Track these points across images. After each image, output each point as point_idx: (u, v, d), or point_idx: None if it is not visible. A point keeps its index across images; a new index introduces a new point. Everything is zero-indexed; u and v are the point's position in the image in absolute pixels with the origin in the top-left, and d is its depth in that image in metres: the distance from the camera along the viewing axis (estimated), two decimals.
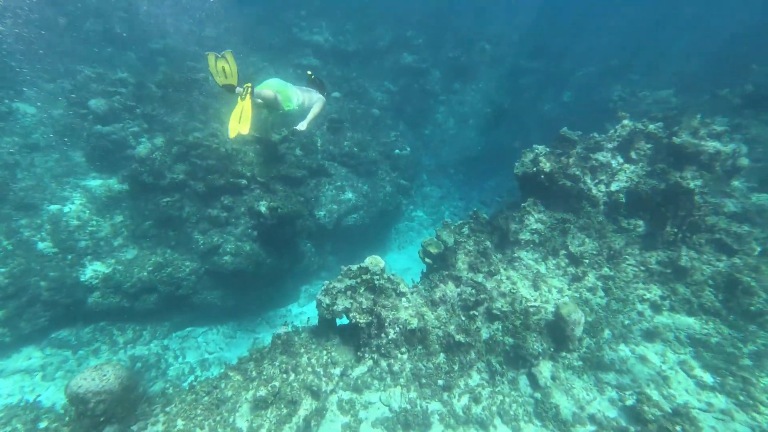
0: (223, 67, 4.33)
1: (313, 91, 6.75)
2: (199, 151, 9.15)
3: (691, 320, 5.70)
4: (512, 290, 6.41)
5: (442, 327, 5.73)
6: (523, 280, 6.68)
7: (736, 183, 7.12)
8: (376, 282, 6.02)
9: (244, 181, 9.28)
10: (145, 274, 8.37)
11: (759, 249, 6.01)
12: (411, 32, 18.93)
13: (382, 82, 17.22)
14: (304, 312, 11.57)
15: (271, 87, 5.43)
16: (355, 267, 6.48)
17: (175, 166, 9.16)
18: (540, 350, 5.53)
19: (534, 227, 7.27)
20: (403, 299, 6.18)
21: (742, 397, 4.67)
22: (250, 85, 4.63)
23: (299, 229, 10.25)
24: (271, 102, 5.36)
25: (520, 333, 5.68)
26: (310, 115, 6.19)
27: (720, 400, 4.75)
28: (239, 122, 4.47)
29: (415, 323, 5.66)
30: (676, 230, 6.18)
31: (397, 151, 13.74)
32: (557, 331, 5.55)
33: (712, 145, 6.78)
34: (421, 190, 20.03)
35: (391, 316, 5.77)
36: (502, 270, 6.86)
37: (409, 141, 18.14)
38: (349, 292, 5.99)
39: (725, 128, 7.12)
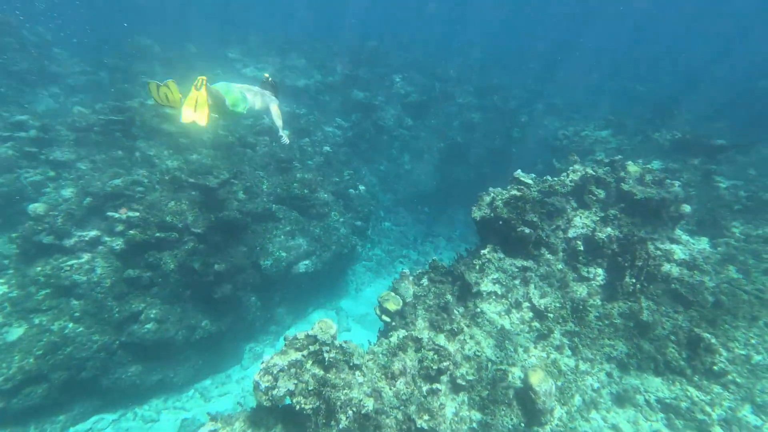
0: (165, 94, 4.36)
1: (267, 93, 6.58)
2: (119, 203, 8.04)
3: (658, 381, 5.55)
4: (477, 352, 5.97)
5: (401, 407, 5.08)
6: (487, 339, 6.28)
7: (679, 231, 7.41)
8: (326, 355, 5.30)
9: (174, 234, 8.24)
10: (32, 360, 6.81)
11: (711, 300, 6.12)
12: (362, 69, 19.21)
13: (334, 118, 17.04)
14: (247, 376, 10.31)
15: (219, 88, 5.31)
16: (302, 335, 5.72)
17: (87, 221, 7.93)
18: (510, 426, 5.05)
19: (495, 276, 7.01)
20: (357, 373, 5.47)
21: None
22: (204, 77, 4.53)
23: (241, 284, 9.24)
24: (220, 103, 5.19)
25: (488, 407, 5.19)
26: (279, 122, 6.59)
27: None
28: (194, 110, 4.42)
29: (370, 405, 4.97)
30: (634, 281, 6.15)
31: (351, 190, 13.32)
32: (527, 403, 5.13)
33: (656, 192, 7.04)
34: (378, 227, 19.68)
35: (342, 397, 5.02)
36: (465, 327, 6.43)
37: (365, 178, 17.90)
38: (293, 370, 5.19)
39: (666, 175, 7.48)
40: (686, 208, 7.17)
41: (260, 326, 11.01)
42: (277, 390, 4.92)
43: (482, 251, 7.48)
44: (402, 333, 6.59)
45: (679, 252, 6.92)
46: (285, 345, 5.62)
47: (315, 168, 13.57)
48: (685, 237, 7.49)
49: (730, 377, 5.36)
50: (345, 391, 5.08)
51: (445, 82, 22.68)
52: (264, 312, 10.93)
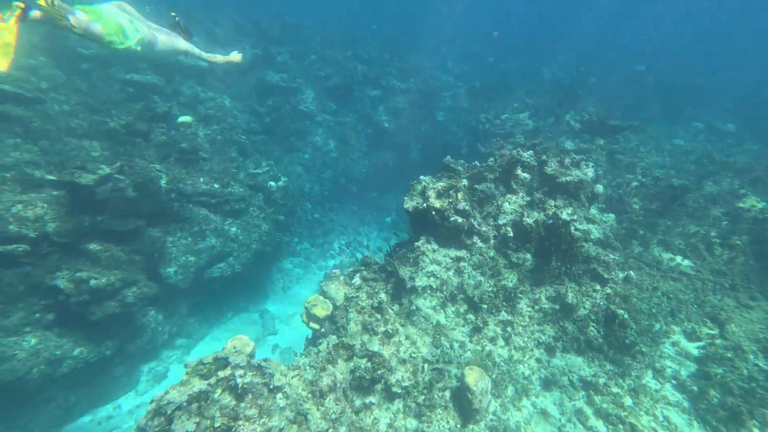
0: None
1: (178, 37, 5.79)
2: None
3: (580, 360, 5.79)
4: (413, 354, 5.68)
5: (329, 431, 4.56)
6: (423, 337, 6.03)
7: (593, 210, 7.87)
8: (240, 380, 4.55)
9: (23, 247, 6.54)
10: None
11: (622, 276, 6.55)
12: (275, 48, 17.69)
13: (247, 103, 15.44)
14: (144, 403, 8.95)
15: (100, 15, 4.49)
16: (209, 359, 4.89)
17: None
18: (447, 430, 4.85)
19: (430, 269, 6.78)
20: (279, 396, 4.81)
21: None
22: (22, 4, 3.68)
23: (132, 299, 7.84)
24: (93, 36, 4.43)
25: (425, 413, 4.93)
26: (200, 52, 5.95)
27: None
28: None
29: None
30: (560, 264, 6.33)
31: (271, 183, 12.17)
32: (464, 404, 4.96)
33: (575, 174, 7.34)
34: (305, 220, 18.69)
35: (259, 431, 4.34)
36: (400, 328, 6.10)
37: (287, 168, 16.70)
38: (195, 405, 4.38)
39: (582, 157, 7.85)
40: (599, 189, 7.60)
41: (163, 342, 9.64)
42: None
43: (416, 243, 7.22)
44: (333, 340, 6.04)
45: (595, 231, 7.32)
46: (186, 372, 4.73)
47: (227, 159, 12.14)
48: (598, 216, 7.99)
49: (637, 348, 5.76)
50: (263, 420, 4.40)
51: (367, 65, 22.03)
52: (168, 325, 9.56)
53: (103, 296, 7.33)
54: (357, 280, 7.02)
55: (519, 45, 33.69)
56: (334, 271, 7.12)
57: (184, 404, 4.34)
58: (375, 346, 5.56)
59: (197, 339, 11.14)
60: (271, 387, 4.74)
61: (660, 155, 13.55)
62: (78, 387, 7.72)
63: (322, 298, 6.59)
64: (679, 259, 7.27)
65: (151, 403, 4.36)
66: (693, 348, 5.91)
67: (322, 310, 6.37)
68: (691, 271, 6.89)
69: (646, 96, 23.37)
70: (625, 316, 5.73)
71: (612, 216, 9.07)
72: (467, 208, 6.87)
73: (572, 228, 6.52)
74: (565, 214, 7.40)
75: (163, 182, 9.75)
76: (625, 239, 8.22)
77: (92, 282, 6.94)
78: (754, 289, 6.45)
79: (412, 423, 4.95)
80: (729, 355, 5.48)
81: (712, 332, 5.97)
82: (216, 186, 10.39)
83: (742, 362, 5.41)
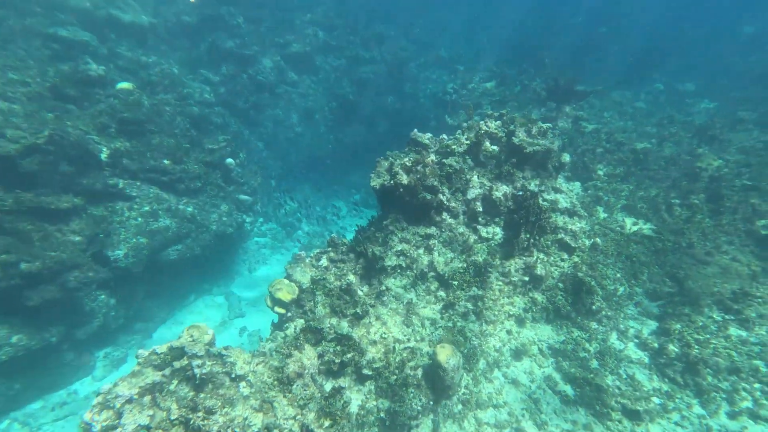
0: None
1: None
2: None
3: (548, 328, 5.89)
4: (384, 335, 5.54)
5: (297, 417, 4.38)
6: (393, 317, 5.90)
7: (560, 179, 7.89)
8: (198, 371, 4.26)
9: None
10: None
11: (588, 244, 6.65)
12: (227, 8, 16.17)
13: (199, 71, 14.16)
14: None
15: None
16: (163, 349, 4.54)
17: None
18: (420, 408, 4.80)
19: (399, 248, 6.59)
20: (243, 384, 4.56)
21: (597, 407, 4.90)
22: None
23: (73, 285, 7.17)
24: None
25: (397, 393, 4.85)
26: None
27: (581, 415, 4.93)
28: None
29: (258, 422, 4.18)
30: (528, 236, 6.31)
31: (229, 160, 11.36)
32: (437, 381, 4.91)
33: (543, 143, 7.26)
34: (270, 198, 17.94)
35: (221, 420, 4.10)
36: (370, 309, 5.93)
37: (249, 143, 15.75)
38: (148, 397, 4.10)
39: (549, 125, 7.76)
40: (566, 158, 7.59)
41: (119, 327, 9.09)
42: (120, 430, 3.80)
43: (384, 222, 6.96)
44: (300, 324, 5.79)
45: (562, 201, 7.36)
46: (138, 363, 4.38)
47: (179, 133, 11.17)
48: (565, 185, 8.03)
49: (603, 313, 5.93)
50: (225, 410, 4.16)
51: (329, 31, 20.82)
52: (123, 310, 8.98)
53: (39, 280, 6.64)
54: (324, 261, 6.73)
55: (485, 10, 33.00)
56: (299, 253, 6.77)
57: (135, 397, 4.03)
58: (344, 328, 5.36)
59: (158, 323, 10.58)
60: (233, 376, 4.47)
61: (623, 119, 13.85)
62: (21, 374, 7.16)
63: (287, 281, 6.26)
64: (641, 223, 7.49)
65: (96, 396, 4.03)
66: (654, 307, 6.16)
67: (287, 294, 6.06)
68: (653, 233, 7.12)
69: (608, 59, 23.70)
70: (592, 283, 5.83)
71: (578, 184, 9.20)
72: (436, 183, 6.65)
73: (540, 199, 6.48)
74: (533, 185, 7.37)
75: (103, 156, 8.82)
76: (590, 206, 8.37)
77: (23, 265, 6.22)
78: (710, 246, 6.76)
79: (384, 403, 4.86)
80: (686, 310, 5.74)
81: (671, 290, 6.22)
82: (166, 162, 9.56)
83: (698, 316, 5.68)
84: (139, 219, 9.07)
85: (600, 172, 9.04)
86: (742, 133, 9.41)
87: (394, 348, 5.32)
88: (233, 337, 10.94)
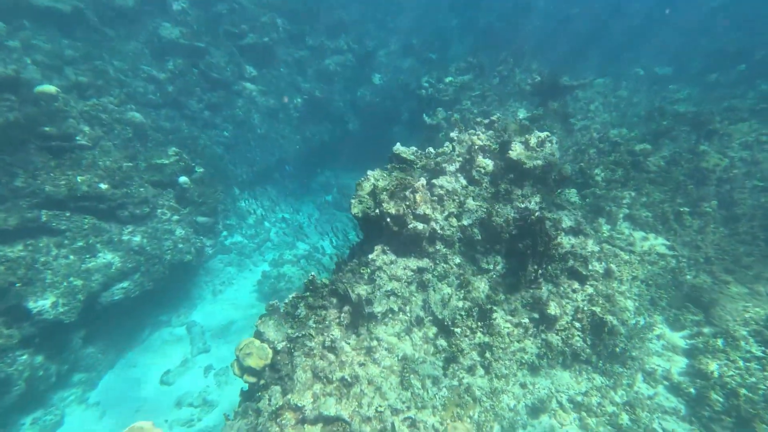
0: None
1: None
2: None
3: (566, 375, 5.26)
4: (378, 407, 4.68)
5: None
6: (389, 378, 5.05)
7: (559, 192, 7.23)
8: None
9: None
10: None
11: (602, 270, 6.05)
12: None
13: (140, 66, 12.41)
14: None
15: None
16: None
17: None
18: None
19: (389, 288, 5.71)
20: None
21: None
22: None
23: None
24: None
25: None
26: None
27: None
28: None
29: None
30: (536, 267, 5.60)
31: (182, 179, 9.90)
32: None
33: (544, 157, 6.54)
34: (234, 208, 16.50)
35: None
36: (359, 370, 5.05)
37: (205, 150, 14.19)
38: None
39: (547, 134, 7.05)
40: (567, 170, 6.94)
41: (50, 386, 7.79)
42: None
43: (370, 256, 6.06)
44: (276, 397, 4.87)
45: (566, 219, 6.70)
46: None
47: (120, 146, 9.63)
48: (564, 197, 7.40)
49: (628, 354, 5.36)
50: None
51: (289, 18, 19.22)
52: (56, 365, 7.68)
53: None
54: (302, 310, 5.75)
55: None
56: (272, 302, 5.76)
57: None
58: (331, 407, 4.46)
59: (105, 368, 9.23)
60: None
61: (608, 111, 13.50)
62: None
63: (257, 342, 5.26)
64: (652, 238, 6.98)
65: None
66: (679, 339, 5.66)
67: (258, 360, 5.07)
68: (666, 250, 6.62)
69: (581, 43, 23.48)
70: (614, 322, 5.22)
71: (574, 191, 8.63)
72: (428, 211, 5.79)
73: (548, 224, 5.77)
74: (533, 203, 6.65)
75: (18, 182, 7.32)
76: (591, 217, 7.81)
77: None
78: (728, 260, 6.34)
79: None
80: (719, 343, 5.25)
81: (697, 318, 5.74)
82: (103, 186, 8.11)
83: (735, 352, 5.20)
84: (71, 257, 7.69)
85: (598, 178, 8.49)
86: (740, 124, 9.11)
87: (393, 426, 4.47)
88: (197, 379, 9.76)
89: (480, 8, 28.06)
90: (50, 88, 8.86)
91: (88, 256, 7.99)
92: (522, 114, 11.16)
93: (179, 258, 9.48)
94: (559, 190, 7.17)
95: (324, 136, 18.57)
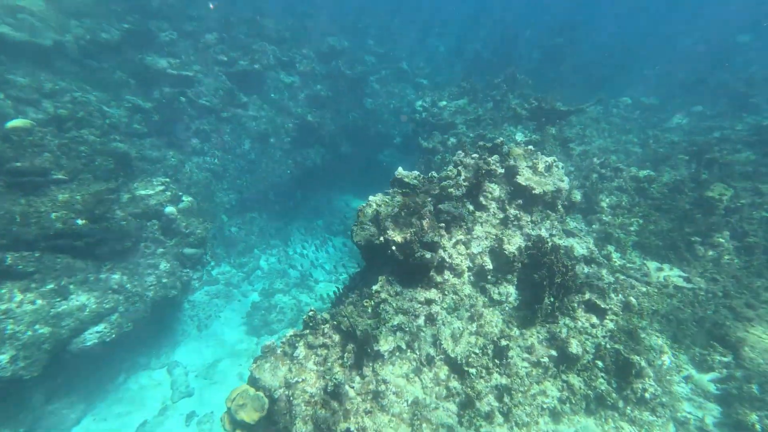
0: None
1: None
2: None
3: (591, 422, 4.87)
4: None
5: None
6: (399, 428, 4.61)
7: (570, 220, 7.06)
8: None
9: None
10: None
11: (620, 303, 5.79)
12: (156, 23, 14.36)
13: (124, 97, 12.19)
14: None
15: None
16: None
17: None
18: None
19: (395, 322, 5.35)
20: None
21: None
22: None
23: None
24: None
25: None
26: None
27: None
28: None
29: None
30: (553, 300, 5.31)
31: (169, 209, 9.47)
32: None
33: (552, 182, 6.39)
34: (222, 236, 16.00)
35: None
36: (366, 420, 4.60)
37: (192, 176, 13.85)
38: None
39: (554, 158, 6.94)
40: (577, 196, 6.79)
41: None
42: None
43: (374, 287, 5.72)
44: None
45: (577, 247, 6.49)
46: None
47: (101, 177, 9.22)
48: (573, 224, 7.21)
49: (658, 400, 5.02)
50: None
51: (279, 45, 19.46)
52: (9, 428, 6.96)
53: None
54: (301, 350, 5.32)
55: (432, 17, 33.04)
56: (268, 343, 5.34)
57: None
58: None
59: (71, 425, 8.36)
60: None
61: (602, 136, 13.66)
62: None
63: (252, 391, 4.79)
64: (667, 268, 6.78)
65: None
66: (708, 382, 5.34)
67: (253, 413, 4.59)
68: (683, 282, 6.41)
69: (566, 71, 24.29)
70: (642, 363, 4.89)
71: (579, 217, 8.48)
72: (436, 239, 5.52)
73: (563, 253, 5.54)
74: (543, 230, 6.45)
75: None
76: (600, 244, 7.62)
77: None
78: (747, 295, 6.14)
79: None
80: (755, 390, 4.94)
81: (725, 359, 5.46)
82: (80, 222, 7.66)
83: None
84: (38, 302, 7.13)
85: (603, 204, 8.37)
86: (736, 155, 9.21)
87: None
88: (177, 430, 8.98)
89: (466, 38, 29.10)
90: (24, 123, 8.53)
91: (58, 299, 7.44)
92: (520, 137, 11.17)
93: (163, 294, 8.95)
94: (568, 216, 7.01)
95: (316, 160, 18.42)
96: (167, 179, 10.24)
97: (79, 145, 9.18)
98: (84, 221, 7.58)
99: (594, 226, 8.18)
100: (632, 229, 7.91)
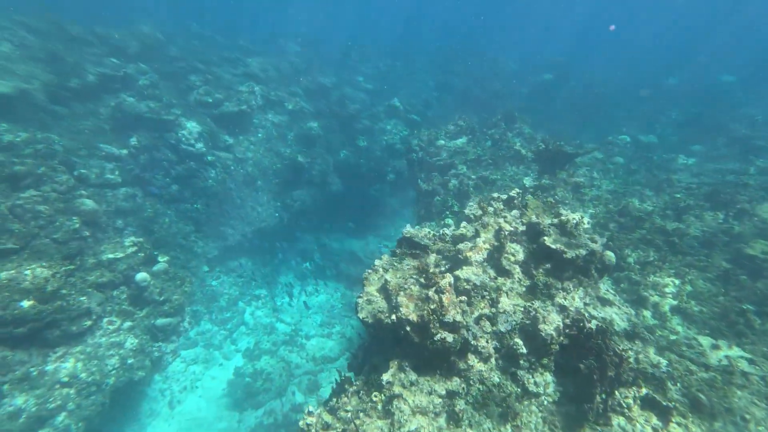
0: None
1: None
2: None
3: None
4: None
5: None
6: None
7: (604, 286, 6.30)
8: None
9: None
10: None
11: (679, 392, 4.93)
12: (135, 65, 13.92)
13: (97, 144, 11.43)
14: None
15: None
16: None
17: None
18: None
19: (413, 427, 4.40)
20: None
21: None
22: None
23: None
24: None
25: None
26: None
27: None
28: None
29: None
30: (604, 396, 4.43)
31: (141, 276, 8.46)
32: None
33: (586, 245, 5.67)
34: (202, 290, 14.87)
35: None
36: None
37: (171, 226, 12.91)
38: None
39: (581, 214, 6.27)
40: (611, 258, 6.06)
41: None
42: None
43: (384, 376, 4.80)
44: None
45: (617, 319, 5.70)
46: None
47: (60, 241, 8.24)
48: (607, 291, 6.44)
49: None
50: None
51: (266, 84, 19.22)
52: None
53: None
54: None
55: (418, 54, 33.74)
56: None
57: None
58: None
59: None
60: None
61: (608, 178, 13.23)
62: None
63: None
64: (725, 346, 5.94)
65: None
66: None
67: None
68: (749, 366, 5.59)
69: (558, 108, 24.56)
70: None
71: (607, 279, 7.75)
72: (459, 318, 4.68)
73: (614, 339, 4.73)
74: (577, 300, 5.66)
75: None
76: (634, 309, 6.82)
77: None
78: None
79: None
80: None
81: None
82: (25, 305, 6.60)
83: None
84: None
85: (630, 260, 7.68)
86: (765, 204, 8.71)
87: None
88: None
89: (454, 73, 29.60)
90: None
91: None
92: (528, 182, 10.63)
93: (127, 377, 7.79)
94: (602, 281, 6.26)
95: (306, 200, 17.68)
96: (140, 239, 9.28)
97: (37, 204, 8.27)
98: (31, 302, 6.54)
99: (622, 285, 7.44)
100: (668, 290, 7.17)
